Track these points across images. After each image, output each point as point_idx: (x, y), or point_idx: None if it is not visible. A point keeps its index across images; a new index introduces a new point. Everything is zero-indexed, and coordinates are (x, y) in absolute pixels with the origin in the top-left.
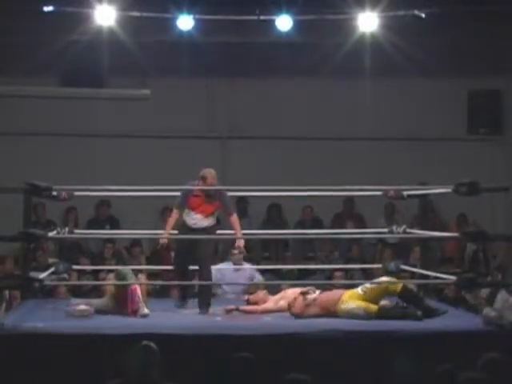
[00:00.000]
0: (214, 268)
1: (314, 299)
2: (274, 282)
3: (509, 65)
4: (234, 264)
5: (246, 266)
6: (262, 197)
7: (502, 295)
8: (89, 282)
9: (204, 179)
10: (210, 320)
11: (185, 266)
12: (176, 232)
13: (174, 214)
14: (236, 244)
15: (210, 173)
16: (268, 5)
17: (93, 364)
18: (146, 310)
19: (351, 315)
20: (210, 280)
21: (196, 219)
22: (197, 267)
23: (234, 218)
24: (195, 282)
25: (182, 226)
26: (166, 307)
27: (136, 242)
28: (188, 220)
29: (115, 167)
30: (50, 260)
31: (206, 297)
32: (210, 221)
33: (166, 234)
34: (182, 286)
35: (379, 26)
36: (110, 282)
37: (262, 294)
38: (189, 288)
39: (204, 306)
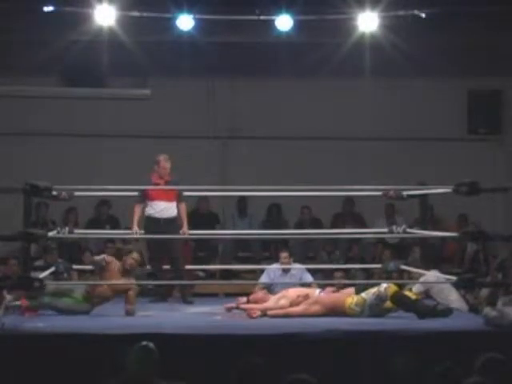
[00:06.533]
0: (266, 270)
1: (316, 300)
2: (323, 281)
3: (509, 65)
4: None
5: (296, 266)
6: (262, 197)
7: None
8: (89, 282)
9: (157, 163)
10: (209, 320)
11: (161, 265)
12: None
13: (137, 209)
14: (181, 231)
15: (162, 156)
16: (268, 5)
17: (92, 364)
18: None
19: (368, 302)
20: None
21: (161, 207)
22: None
23: (184, 206)
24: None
25: (147, 221)
26: (165, 307)
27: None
28: (153, 212)
29: (115, 167)
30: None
31: (188, 290)
32: (173, 209)
33: (135, 229)
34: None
35: (379, 25)
36: (117, 282)
37: (261, 293)
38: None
39: (188, 299)
